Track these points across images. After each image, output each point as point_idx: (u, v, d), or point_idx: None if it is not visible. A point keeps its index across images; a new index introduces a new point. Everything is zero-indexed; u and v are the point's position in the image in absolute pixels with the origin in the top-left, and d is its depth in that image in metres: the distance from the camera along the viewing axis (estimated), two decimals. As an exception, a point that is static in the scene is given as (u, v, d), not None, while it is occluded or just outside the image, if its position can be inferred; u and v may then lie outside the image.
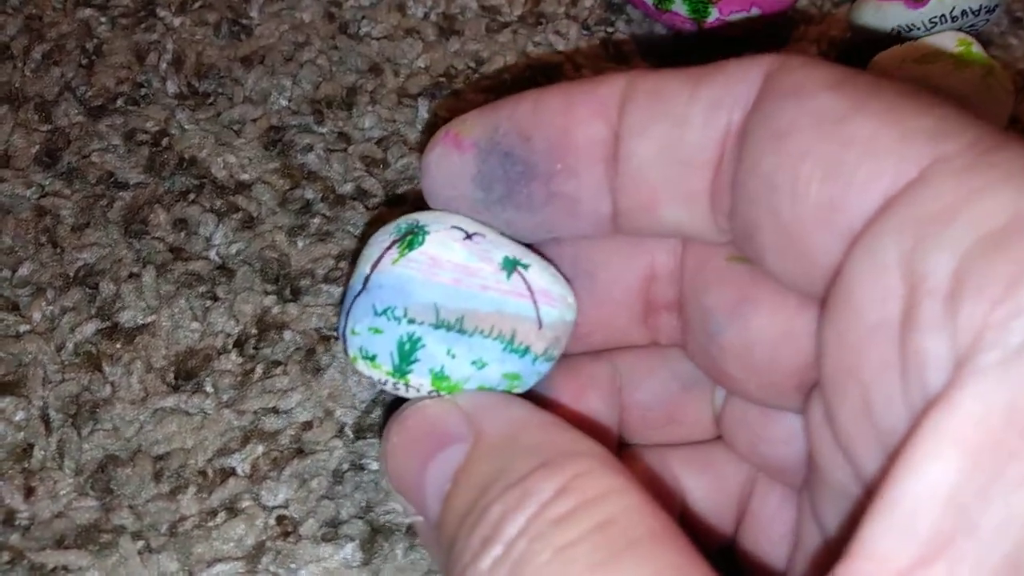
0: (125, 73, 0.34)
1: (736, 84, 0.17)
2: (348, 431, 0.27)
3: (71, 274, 0.29)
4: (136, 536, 0.24)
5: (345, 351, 0.19)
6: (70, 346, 0.28)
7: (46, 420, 0.26)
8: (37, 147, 0.32)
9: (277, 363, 0.28)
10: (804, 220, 0.16)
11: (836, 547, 0.17)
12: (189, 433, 0.26)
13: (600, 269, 0.20)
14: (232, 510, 0.25)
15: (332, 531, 0.25)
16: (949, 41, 0.31)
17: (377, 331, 0.18)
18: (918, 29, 0.33)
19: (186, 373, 0.27)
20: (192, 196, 0.31)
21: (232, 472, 0.26)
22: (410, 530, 0.25)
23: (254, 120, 0.33)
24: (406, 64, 0.35)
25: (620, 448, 0.22)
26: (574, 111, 0.18)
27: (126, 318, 0.28)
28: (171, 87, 0.34)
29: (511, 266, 0.19)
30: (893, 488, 0.12)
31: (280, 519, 0.25)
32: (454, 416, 0.18)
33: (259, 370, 0.27)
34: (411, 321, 0.18)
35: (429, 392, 0.19)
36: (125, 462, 0.26)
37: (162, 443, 0.26)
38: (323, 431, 0.26)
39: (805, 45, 0.37)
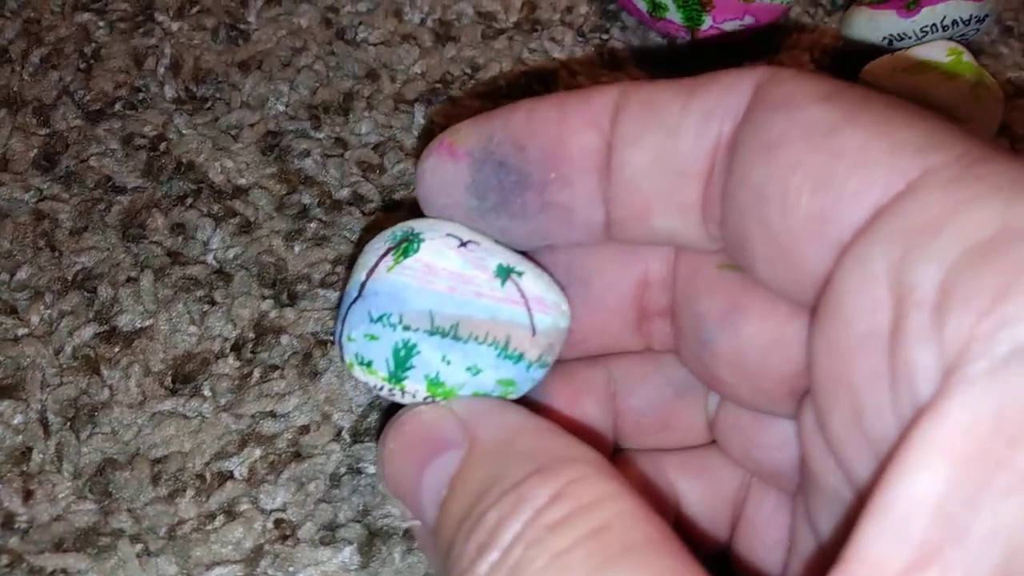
0: (123, 77, 0.34)
1: (727, 95, 0.17)
2: (345, 435, 0.27)
3: (69, 278, 0.29)
4: (135, 539, 0.25)
5: (341, 357, 0.19)
6: (68, 350, 0.28)
7: (44, 423, 0.26)
8: (35, 151, 0.32)
9: (274, 367, 0.28)
10: (794, 230, 0.16)
11: (831, 552, 0.17)
12: (187, 437, 0.26)
13: (594, 276, 0.21)
14: (230, 513, 0.25)
15: (330, 535, 0.25)
16: (940, 50, 0.31)
17: (373, 338, 0.19)
18: (909, 38, 0.34)
19: (184, 377, 0.28)
20: (190, 200, 0.31)
21: (230, 475, 0.26)
22: (408, 534, 0.25)
23: (251, 125, 0.33)
24: (403, 70, 0.35)
25: (615, 453, 0.22)
26: (568, 121, 0.19)
27: (124, 322, 0.28)
28: (169, 92, 0.34)
29: (505, 273, 0.19)
30: (885, 494, 0.13)
31: (278, 522, 0.25)
32: (449, 422, 0.18)
33: (256, 374, 0.28)
34: (406, 328, 0.18)
35: (425, 398, 0.19)
36: (123, 465, 0.26)
37: (160, 446, 0.26)
38: (320, 435, 0.27)
39: (797, 53, 0.37)
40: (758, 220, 0.16)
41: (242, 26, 0.36)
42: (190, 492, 0.25)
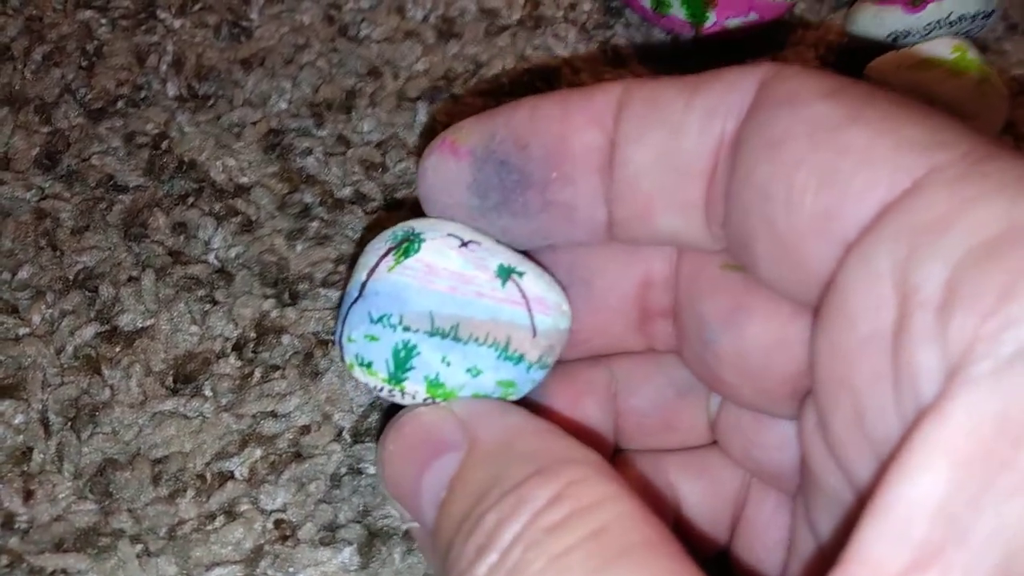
0: (125, 75, 0.34)
1: (730, 93, 0.17)
2: (346, 435, 0.27)
3: (71, 277, 0.29)
4: (135, 539, 0.24)
5: (341, 358, 0.19)
6: (69, 349, 0.28)
7: (45, 423, 0.26)
8: (37, 149, 0.32)
9: (275, 367, 0.28)
10: (798, 229, 0.16)
11: (830, 554, 0.17)
12: (188, 437, 0.26)
13: (596, 276, 0.20)
14: (230, 514, 0.25)
15: (330, 535, 0.25)
16: (945, 47, 0.31)
17: (373, 338, 0.19)
18: (914, 35, 0.33)
19: (185, 377, 0.27)
20: (191, 199, 0.31)
21: (230, 476, 0.26)
22: (407, 535, 0.25)
23: (254, 123, 0.33)
24: (405, 67, 0.35)
25: (615, 454, 0.22)
26: (570, 119, 0.18)
27: (125, 321, 0.28)
28: (171, 89, 0.34)
29: (506, 274, 0.19)
30: (886, 495, 0.13)
31: (278, 523, 0.25)
32: (449, 423, 0.18)
33: (257, 374, 0.28)
34: (406, 329, 0.18)
35: (424, 399, 0.19)
36: (124, 465, 0.26)
37: (161, 447, 0.26)
38: (321, 435, 0.27)
39: (802, 50, 0.37)
40: (762, 219, 0.16)
41: (244, 23, 0.36)
42: (190, 492, 0.25)
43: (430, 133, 0.33)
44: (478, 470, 0.17)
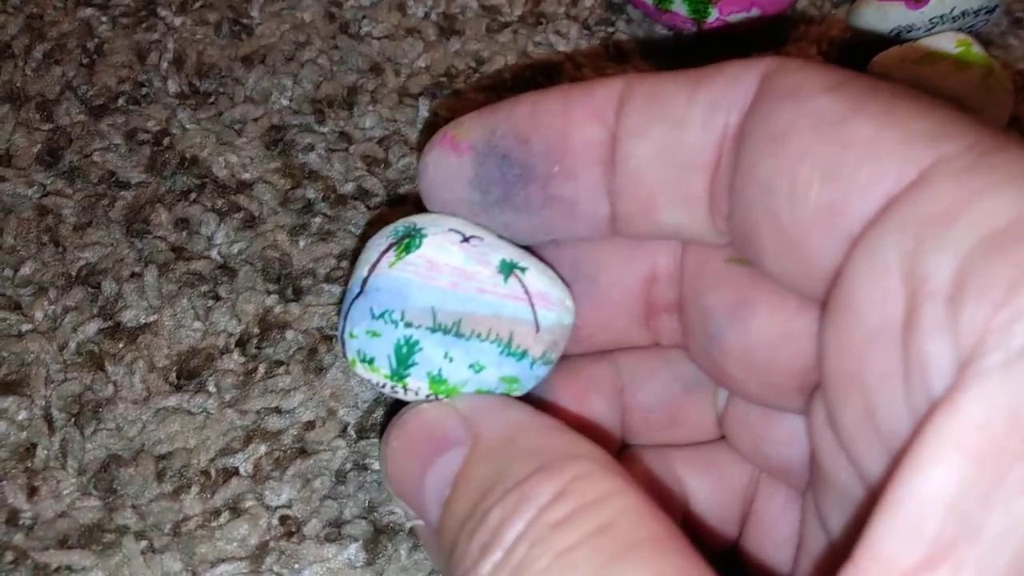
0: (126, 72, 0.34)
1: (733, 86, 0.17)
2: (351, 431, 0.27)
3: (73, 273, 0.29)
4: (139, 536, 0.24)
5: (344, 354, 0.19)
6: (72, 345, 0.28)
7: (49, 420, 0.26)
8: (39, 146, 0.32)
9: (279, 363, 0.28)
10: (803, 223, 0.16)
11: (841, 549, 0.17)
12: (192, 433, 0.26)
13: (601, 272, 0.20)
14: (235, 510, 0.25)
15: (335, 531, 0.25)
16: (949, 41, 0.31)
17: (375, 334, 0.18)
18: (918, 29, 0.33)
19: (188, 373, 0.27)
20: (194, 196, 0.31)
21: (235, 472, 0.26)
22: (413, 531, 0.25)
23: (255, 119, 0.33)
24: (407, 64, 0.35)
25: (622, 449, 0.22)
26: (572, 113, 0.18)
27: (128, 317, 0.28)
28: (172, 86, 0.34)
29: (508, 269, 0.19)
30: (898, 490, 0.13)
31: (283, 519, 0.25)
32: (452, 420, 0.18)
33: (261, 370, 0.28)
34: (408, 324, 0.18)
35: (427, 396, 0.19)
36: (128, 462, 0.26)
37: (165, 443, 0.26)
38: (326, 431, 0.26)
39: (805, 45, 0.37)
40: (766, 213, 0.16)
41: (245, 20, 0.36)
42: (195, 488, 0.25)
43: (432, 129, 0.33)
44: (481, 467, 0.17)
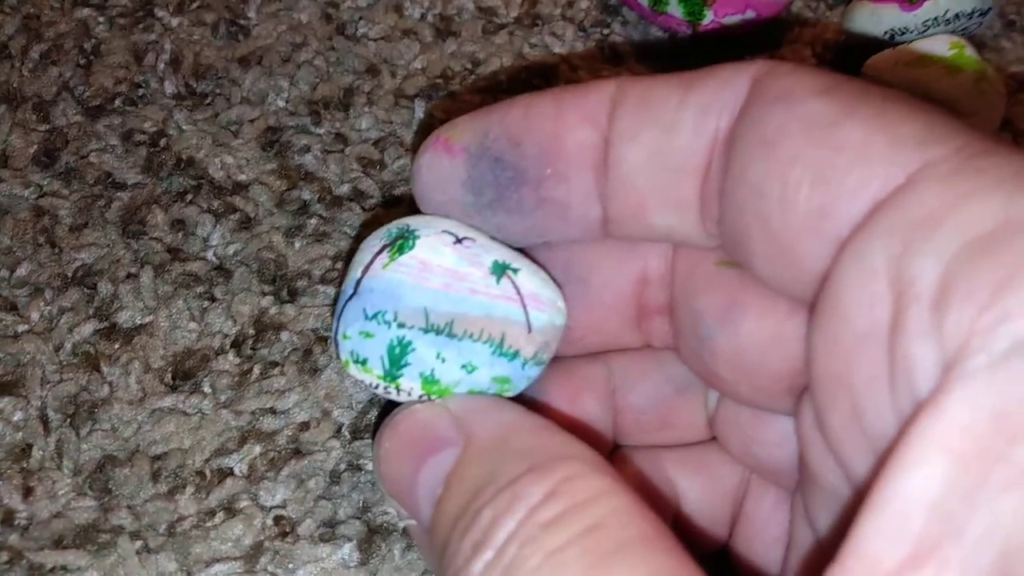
0: (123, 73, 0.34)
1: (724, 90, 0.17)
2: (345, 431, 0.27)
3: (69, 274, 0.29)
4: (134, 536, 0.25)
5: (337, 355, 0.19)
6: (68, 346, 0.28)
7: (44, 420, 0.26)
8: (35, 147, 0.32)
9: (274, 364, 0.28)
10: (793, 226, 0.16)
11: (829, 549, 0.17)
12: (187, 433, 0.26)
13: (593, 274, 0.21)
14: (230, 510, 0.25)
15: (330, 531, 0.25)
16: (942, 44, 0.31)
17: (368, 335, 0.19)
18: (911, 32, 0.34)
19: (184, 373, 0.28)
20: (190, 197, 0.31)
21: (230, 472, 0.26)
22: (407, 532, 0.25)
23: (251, 121, 0.33)
24: (403, 65, 0.35)
25: (614, 450, 0.22)
26: (564, 117, 0.18)
27: (124, 318, 0.28)
28: (169, 87, 0.34)
29: (501, 270, 0.19)
30: (883, 491, 0.13)
31: (278, 519, 0.25)
32: (444, 420, 0.18)
33: (256, 370, 0.28)
34: (401, 325, 0.18)
35: (420, 396, 0.19)
36: (123, 462, 0.26)
37: (160, 443, 0.26)
38: (320, 432, 0.27)
39: (799, 48, 0.37)
40: (756, 216, 0.16)
41: (242, 21, 0.36)
42: (190, 489, 0.25)
43: (428, 131, 0.33)
44: (473, 467, 0.17)
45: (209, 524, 0.25)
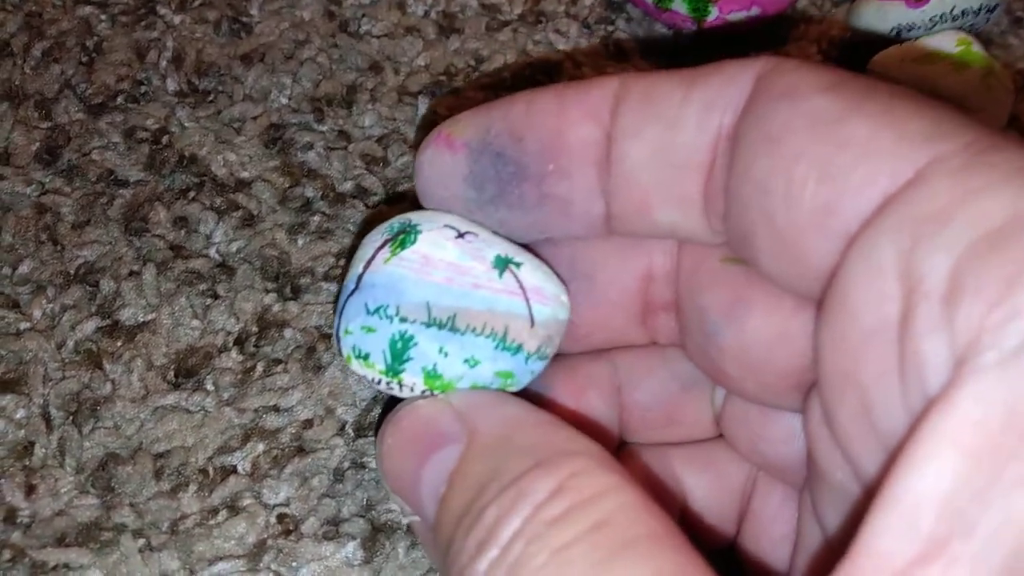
0: (125, 71, 0.34)
1: (728, 86, 0.17)
2: (349, 429, 0.27)
3: (71, 272, 0.29)
4: (137, 534, 0.24)
5: (339, 351, 0.19)
6: (71, 344, 0.28)
7: (47, 418, 0.26)
8: (37, 144, 0.32)
9: (278, 361, 0.28)
10: (799, 223, 0.16)
11: (837, 547, 0.17)
12: (190, 431, 0.26)
13: (598, 271, 0.20)
14: (233, 508, 0.25)
15: (333, 529, 0.25)
16: (949, 41, 0.31)
17: (370, 330, 0.18)
18: (918, 29, 0.33)
19: (187, 371, 0.27)
20: (192, 194, 0.31)
21: (233, 470, 0.26)
22: (411, 529, 0.25)
23: (254, 118, 0.33)
24: (406, 62, 0.35)
25: (620, 447, 0.22)
26: (567, 113, 0.18)
27: (127, 316, 0.28)
28: (171, 85, 0.34)
29: (503, 264, 0.19)
30: (894, 487, 0.13)
31: (281, 517, 0.25)
32: (447, 416, 0.18)
33: (260, 368, 0.28)
34: (403, 320, 0.18)
35: (423, 391, 0.19)
36: (126, 460, 0.26)
37: (163, 441, 0.26)
38: (324, 429, 0.26)
39: (805, 45, 0.37)
40: (761, 213, 0.16)
41: (244, 19, 0.36)
42: (193, 487, 0.25)
43: (431, 127, 0.33)
44: (477, 463, 0.17)
45: (212, 522, 0.25)
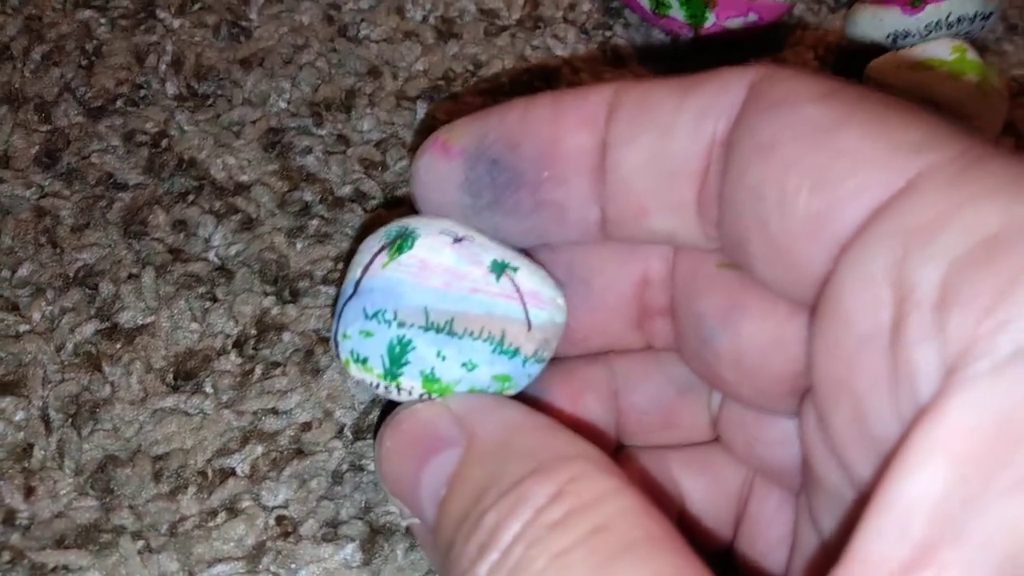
0: (125, 74, 0.34)
1: (722, 94, 0.17)
2: (347, 432, 0.27)
3: (71, 275, 0.29)
4: (136, 536, 0.25)
5: (337, 355, 0.19)
6: (70, 346, 0.28)
7: (46, 420, 0.26)
8: (37, 148, 0.32)
9: (276, 364, 0.28)
10: (792, 231, 0.16)
11: (833, 551, 0.17)
12: (189, 433, 0.26)
13: (594, 276, 0.21)
14: (232, 510, 0.25)
15: (332, 531, 0.25)
16: (944, 48, 0.31)
17: (368, 334, 0.19)
18: (914, 35, 0.34)
19: (185, 374, 0.28)
20: (191, 197, 0.31)
21: (232, 472, 0.26)
22: (410, 531, 0.25)
23: (253, 122, 0.33)
24: (405, 67, 0.35)
25: (617, 450, 0.22)
26: (562, 120, 0.18)
27: (126, 319, 0.28)
28: (170, 88, 0.34)
29: (500, 269, 0.19)
30: (886, 494, 0.13)
31: (280, 519, 0.25)
32: (446, 420, 0.18)
33: (258, 371, 0.28)
34: (401, 324, 0.18)
35: (420, 395, 0.19)
36: (125, 462, 0.26)
37: (162, 443, 0.26)
38: (322, 432, 0.27)
39: (801, 51, 0.37)
40: (755, 220, 0.16)
41: (244, 23, 0.36)
42: (192, 489, 0.25)
43: (429, 132, 0.33)
44: (476, 468, 0.17)
45: (211, 524, 0.25)
